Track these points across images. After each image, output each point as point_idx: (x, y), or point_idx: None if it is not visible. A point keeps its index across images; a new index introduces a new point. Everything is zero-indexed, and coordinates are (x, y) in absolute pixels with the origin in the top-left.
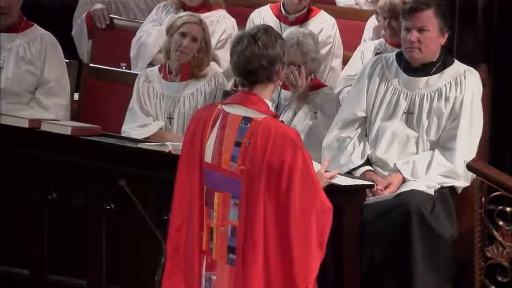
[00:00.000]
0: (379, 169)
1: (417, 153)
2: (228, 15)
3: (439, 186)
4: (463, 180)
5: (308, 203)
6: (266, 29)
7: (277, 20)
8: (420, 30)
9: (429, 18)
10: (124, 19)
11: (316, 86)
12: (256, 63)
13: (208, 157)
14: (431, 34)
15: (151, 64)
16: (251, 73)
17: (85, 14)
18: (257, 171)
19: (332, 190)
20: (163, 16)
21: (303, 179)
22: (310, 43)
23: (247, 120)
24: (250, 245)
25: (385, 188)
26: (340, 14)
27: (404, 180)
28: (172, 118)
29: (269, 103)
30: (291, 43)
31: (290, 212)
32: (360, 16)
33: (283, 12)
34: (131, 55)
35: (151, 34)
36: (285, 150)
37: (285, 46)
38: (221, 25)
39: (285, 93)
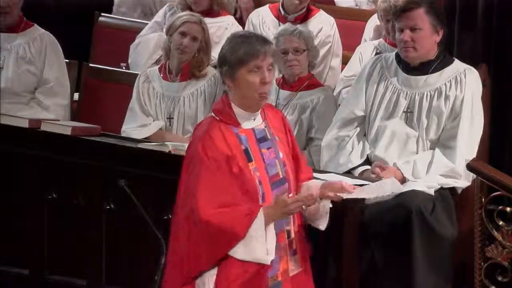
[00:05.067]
0: None
1: (417, 152)
2: (236, 23)
3: (440, 186)
4: (463, 180)
5: (182, 206)
6: (243, 32)
7: (276, 20)
8: (413, 29)
9: (420, 16)
10: (125, 19)
11: (314, 85)
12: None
13: None
14: (424, 32)
15: None
16: None
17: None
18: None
19: None
20: (167, 19)
21: (187, 180)
22: (309, 32)
23: None
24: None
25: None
26: (340, 14)
27: (404, 180)
28: (172, 118)
29: (240, 111)
30: (291, 30)
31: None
32: (360, 16)
33: (282, 12)
34: (129, 61)
35: (149, 46)
36: (190, 146)
37: (236, 47)
38: (229, 33)
39: (283, 93)
